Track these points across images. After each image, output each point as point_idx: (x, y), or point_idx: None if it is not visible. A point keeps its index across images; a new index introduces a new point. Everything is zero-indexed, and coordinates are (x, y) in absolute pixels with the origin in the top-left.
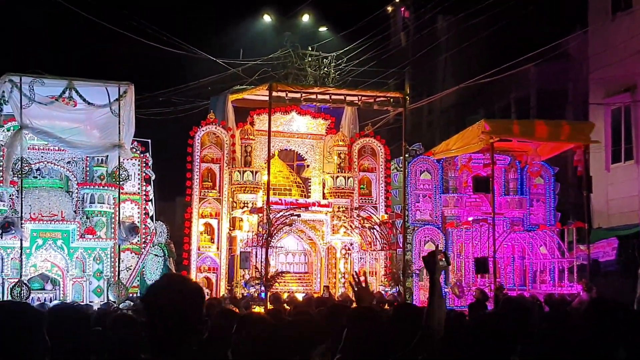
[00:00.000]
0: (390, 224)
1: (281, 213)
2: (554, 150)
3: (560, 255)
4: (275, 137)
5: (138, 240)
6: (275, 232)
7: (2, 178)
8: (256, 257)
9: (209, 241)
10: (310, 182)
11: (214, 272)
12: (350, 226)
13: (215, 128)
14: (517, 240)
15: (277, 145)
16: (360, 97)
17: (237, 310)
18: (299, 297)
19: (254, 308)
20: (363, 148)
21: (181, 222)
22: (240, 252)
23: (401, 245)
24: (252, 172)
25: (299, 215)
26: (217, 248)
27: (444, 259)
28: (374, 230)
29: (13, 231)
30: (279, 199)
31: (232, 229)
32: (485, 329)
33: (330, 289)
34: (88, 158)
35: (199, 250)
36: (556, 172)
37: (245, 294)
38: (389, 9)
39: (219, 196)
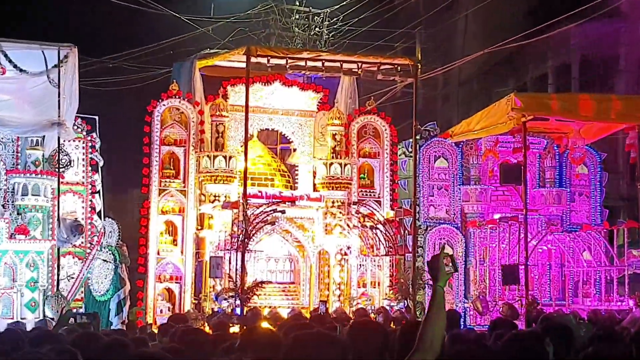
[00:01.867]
0: (397, 222)
1: (261, 209)
2: (601, 132)
3: (608, 263)
4: (255, 113)
5: (82, 242)
6: (254, 232)
7: None
8: (230, 263)
9: (171, 243)
10: (297, 171)
11: (177, 282)
12: (348, 225)
13: (179, 102)
14: (555, 243)
15: (257, 124)
16: (360, 64)
17: (206, 329)
18: (283, 313)
19: (230, 327)
20: (364, 128)
21: (136, 220)
22: (210, 257)
23: (410, 249)
24: (225, 157)
25: (283, 212)
26: (182, 252)
27: (450, 264)
28: (377, 231)
29: None
30: (259, 191)
31: (199, 228)
32: (514, 354)
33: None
34: (20, 139)
35: (158, 254)
36: (604, 158)
37: (216, 310)
38: None
39: (184, 187)
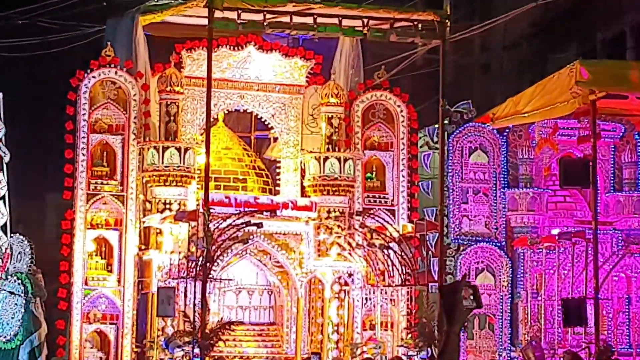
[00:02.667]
0: (417, 240)
1: (229, 221)
2: None
3: None
4: (220, 89)
5: None
6: (219, 254)
7: None
8: (185, 296)
9: (103, 269)
10: (279, 168)
11: (112, 323)
12: (349, 244)
13: (116, 73)
14: (637, 268)
15: (223, 103)
16: (366, 20)
17: None
18: None
19: None
20: (371, 109)
21: (56, 237)
22: (159, 288)
23: (436, 277)
24: (178, 149)
25: (260, 225)
26: (119, 281)
27: (471, 297)
28: (390, 252)
29: None
30: (226, 197)
31: (143, 248)
32: None
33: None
34: None
35: (86, 284)
36: None
37: None
38: None
39: (122, 191)
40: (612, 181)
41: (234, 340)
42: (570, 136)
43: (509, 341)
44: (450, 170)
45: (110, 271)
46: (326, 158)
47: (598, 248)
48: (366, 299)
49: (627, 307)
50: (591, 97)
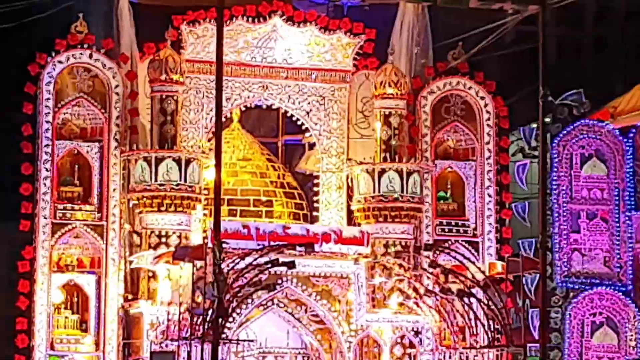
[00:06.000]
0: (510, 283)
1: (250, 260)
2: None
3: None
4: (235, 77)
5: None
6: (235, 305)
7: None
8: None
9: (75, 327)
10: (317, 186)
11: None
12: (415, 290)
13: (90, 57)
14: None
15: (240, 97)
16: None
17: None
18: None
19: None
20: (445, 103)
21: (8, 283)
22: (152, 352)
23: (538, 336)
24: (178, 161)
25: (291, 265)
26: (97, 343)
27: None
28: (472, 301)
29: None
30: (244, 227)
31: (131, 297)
32: None
33: None
34: None
35: (52, 349)
36: None
37: None
38: None
39: (99, 220)
40: None
41: None
42: None
43: None
44: (555, 187)
45: (85, 330)
46: (382, 171)
47: None
48: None
49: None
50: None
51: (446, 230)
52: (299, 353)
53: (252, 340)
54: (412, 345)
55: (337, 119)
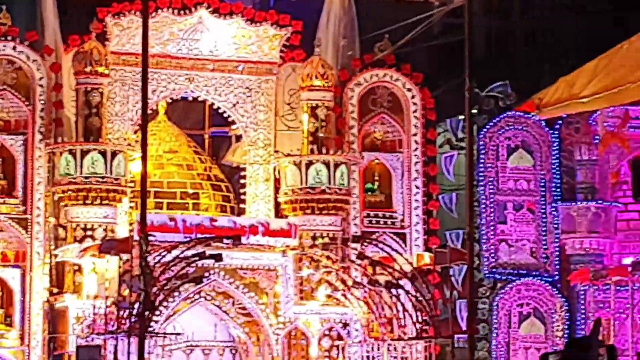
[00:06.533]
0: (437, 275)
1: (177, 253)
2: None
3: None
4: (161, 69)
5: None
6: (162, 298)
7: None
8: (117, 358)
9: (0, 322)
10: (244, 178)
11: None
12: (343, 282)
13: (14, 49)
14: None
15: (165, 89)
16: None
17: None
18: None
19: None
20: (371, 95)
21: None
22: (79, 347)
23: (465, 327)
24: (103, 154)
25: (218, 258)
26: (22, 338)
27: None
28: (400, 292)
29: None
30: (171, 219)
31: (56, 291)
32: None
33: None
34: None
35: None
36: None
37: None
38: None
39: (24, 213)
40: None
41: None
42: None
43: None
44: (482, 178)
45: (10, 325)
46: (309, 163)
47: None
48: (368, 357)
49: None
50: None
51: (374, 222)
52: (227, 346)
53: (179, 334)
54: (340, 337)
55: (264, 111)
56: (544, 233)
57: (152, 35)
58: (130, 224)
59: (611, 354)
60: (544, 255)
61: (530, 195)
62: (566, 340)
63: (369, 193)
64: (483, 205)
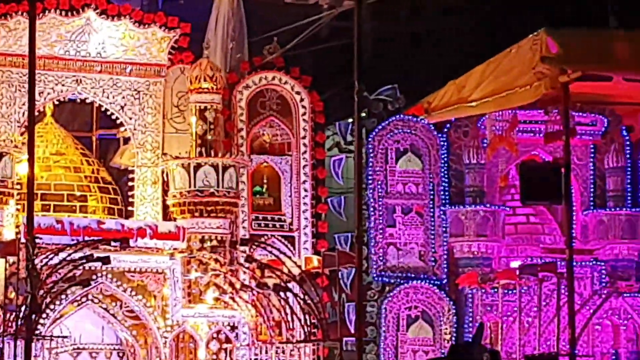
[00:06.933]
0: (325, 278)
1: (64, 256)
2: None
3: None
4: (48, 71)
5: None
6: (49, 301)
7: None
8: None
9: None
10: (132, 181)
11: None
12: (232, 286)
13: None
14: (627, 313)
15: (53, 91)
16: None
17: None
18: None
19: None
20: (260, 98)
21: None
22: None
23: (353, 329)
24: None
25: (106, 261)
26: None
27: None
28: (288, 295)
29: None
30: (58, 222)
31: None
32: None
33: None
34: None
35: None
36: None
37: None
38: None
39: None
40: (591, 194)
41: None
42: (535, 133)
43: None
44: (370, 182)
45: None
46: (198, 166)
47: (574, 286)
48: None
49: None
50: (562, 78)
51: (262, 225)
52: (114, 349)
53: (66, 337)
54: (228, 340)
55: (152, 113)
56: (432, 236)
57: (39, 37)
58: (17, 227)
59: (495, 359)
60: (432, 259)
61: (419, 199)
62: (450, 345)
63: (258, 196)
64: (372, 209)
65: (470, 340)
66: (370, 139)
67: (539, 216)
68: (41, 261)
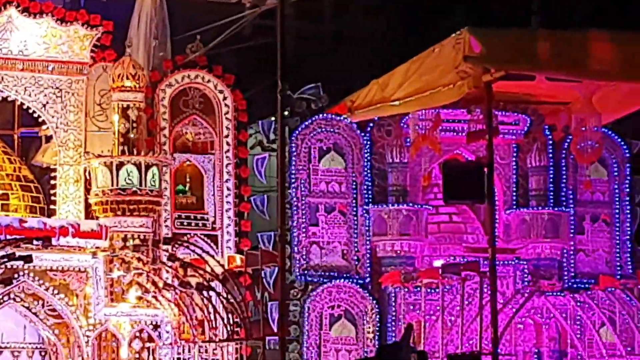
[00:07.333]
0: (248, 277)
1: None
2: (632, 103)
3: None
4: None
5: None
6: None
7: None
8: None
9: None
10: (54, 179)
11: None
12: (154, 284)
13: None
14: (548, 312)
15: None
16: None
17: None
18: None
19: None
20: (183, 96)
21: None
22: None
23: (276, 329)
24: None
25: (28, 260)
26: None
27: None
28: (211, 294)
29: None
30: None
31: None
32: None
33: None
34: None
35: None
36: (637, 150)
37: None
38: None
39: None
40: (514, 193)
41: None
42: (458, 132)
43: None
44: (294, 180)
45: None
46: (120, 164)
47: (497, 285)
48: (179, 359)
49: None
50: (485, 78)
51: (185, 223)
52: (36, 348)
53: None
54: (151, 339)
55: (75, 111)
56: (355, 235)
57: None
58: None
59: (422, 359)
60: (355, 258)
61: (342, 198)
62: (377, 345)
63: (181, 195)
64: (295, 208)
65: (397, 341)
66: (293, 138)
67: (462, 215)
68: None
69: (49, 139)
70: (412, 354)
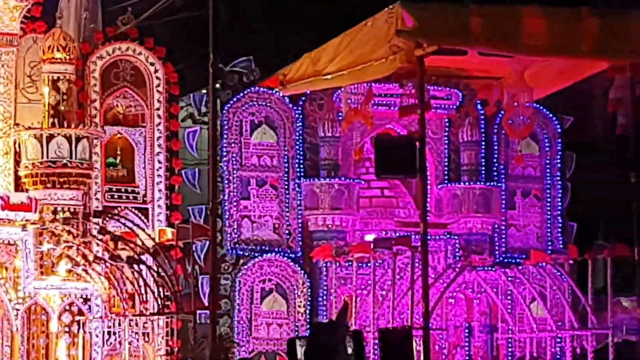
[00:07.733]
0: (179, 250)
1: None
2: (562, 78)
3: (576, 322)
4: None
5: None
6: None
7: None
8: None
9: None
10: None
11: None
12: (84, 257)
13: None
14: (479, 287)
15: None
16: None
17: None
18: None
19: None
20: (114, 69)
21: None
22: None
23: (207, 302)
24: None
25: None
26: None
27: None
28: (141, 268)
29: None
30: None
31: None
32: None
33: None
34: None
35: None
36: (568, 127)
37: None
38: None
39: None
40: (446, 168)
41: None
42: (390, 106)
43: None
44: (225, 154)
45: None
46: (50, 137)
47: (428, 260)
48: (109, 333)
49: (467, 339)
50: (417, 52)
51: (116, 196)
52: None
53: None
54: (81, 313)
55: (4, 83)
56: (287, 209)
57: None
58: None
59: (357, 339)
60: (287, 232)
61: (274, 172)
62: (308, 319)
63: (111, 167)
64: (226, 181)
65: (332, 319)
66: (224, 111)
67: (394, 190)
68: None
69: None
70: (347, 333)
